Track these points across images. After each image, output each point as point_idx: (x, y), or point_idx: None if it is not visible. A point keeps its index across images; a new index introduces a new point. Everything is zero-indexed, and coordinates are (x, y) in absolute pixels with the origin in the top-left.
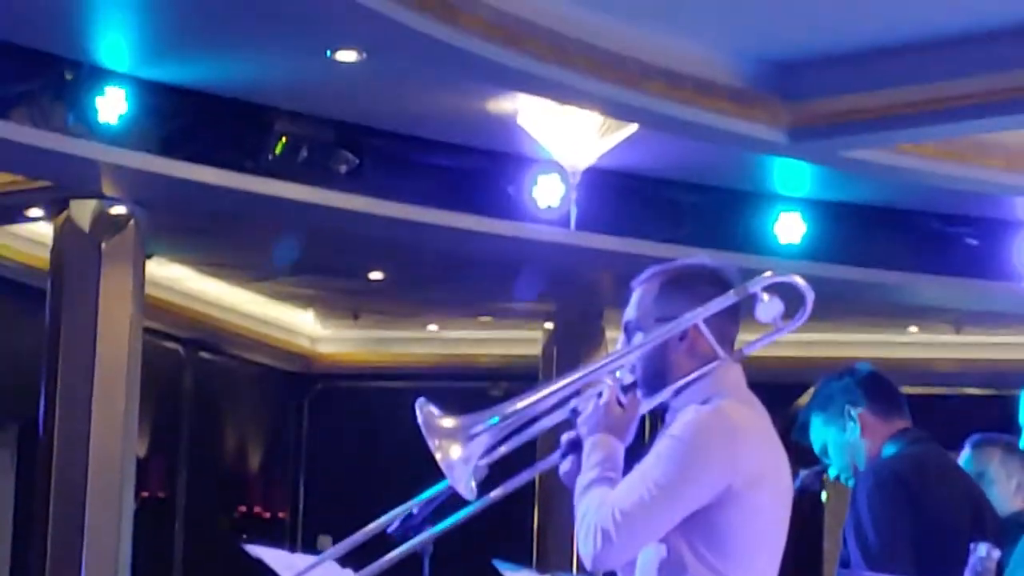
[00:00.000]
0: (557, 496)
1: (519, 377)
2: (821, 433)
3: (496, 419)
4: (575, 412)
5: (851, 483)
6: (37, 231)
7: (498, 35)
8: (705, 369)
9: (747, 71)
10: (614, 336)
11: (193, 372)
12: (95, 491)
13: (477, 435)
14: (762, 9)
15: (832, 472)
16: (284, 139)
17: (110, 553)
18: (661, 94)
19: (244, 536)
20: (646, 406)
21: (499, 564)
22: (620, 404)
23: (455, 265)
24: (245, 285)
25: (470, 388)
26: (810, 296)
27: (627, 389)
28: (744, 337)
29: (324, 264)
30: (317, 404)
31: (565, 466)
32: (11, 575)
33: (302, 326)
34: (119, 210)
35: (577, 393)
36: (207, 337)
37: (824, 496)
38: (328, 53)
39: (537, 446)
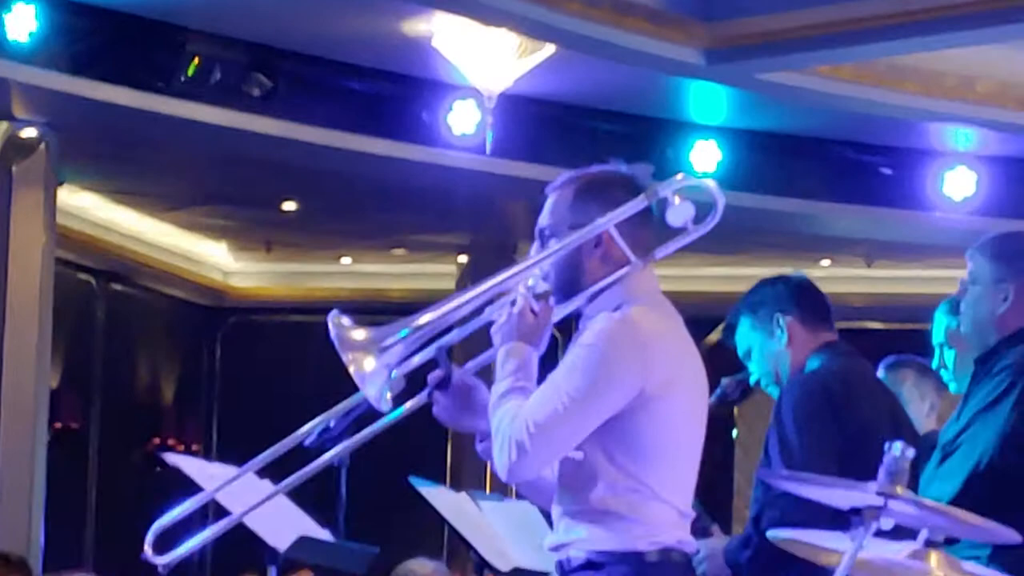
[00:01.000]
0: None
1: None
2: (747, 337)
3: (407, 331)
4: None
5: (771, 390)
6: None
7: None
8: (618, 274)
9: None
10: None
11: (106, 304)
12: (8, 422)
13: (390, 347)
14: None
15: (753, 378)
16: (197, 60)
17: (24, 484)
18: (578, 13)
19: (157, 469)
20: (559, 313)
21: (415, 481)
22: (533, 312)
23: (369, 194)
24: (158, 215)
25: (383, 323)
26: (721, 199)
27: (540, 297)
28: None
29: (237, 194)
30: (230, 337)
31: (436, 406)
32: None
33: (215, 259)
34: (30, 132)
35: (490, 302)
36: (120, 269)
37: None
38: None
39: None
